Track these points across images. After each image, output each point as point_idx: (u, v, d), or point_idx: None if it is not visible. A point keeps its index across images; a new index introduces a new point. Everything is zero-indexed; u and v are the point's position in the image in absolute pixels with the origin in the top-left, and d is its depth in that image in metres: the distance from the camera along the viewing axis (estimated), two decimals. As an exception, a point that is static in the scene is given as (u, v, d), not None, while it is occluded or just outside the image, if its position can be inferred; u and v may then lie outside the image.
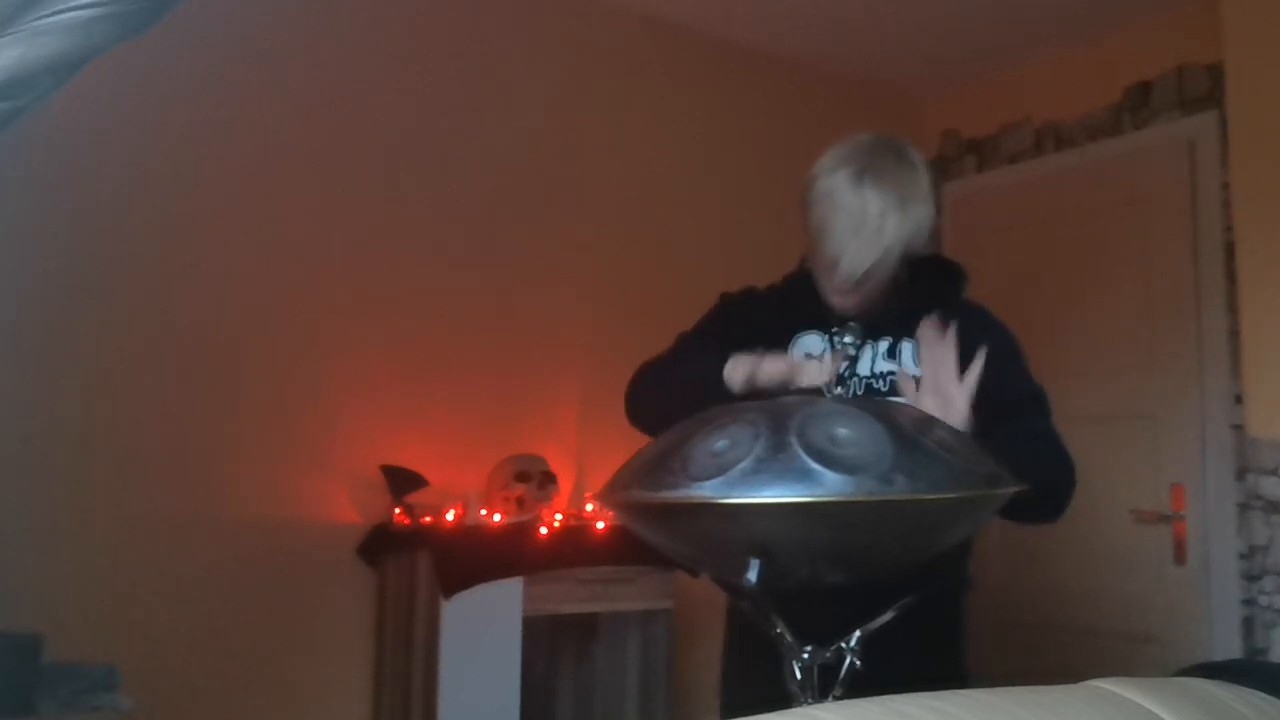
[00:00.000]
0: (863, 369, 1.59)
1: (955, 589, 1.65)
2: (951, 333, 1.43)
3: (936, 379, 1.42)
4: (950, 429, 1.17)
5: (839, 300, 1.59)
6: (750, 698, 1.18)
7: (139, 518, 2.66)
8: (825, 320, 1.62)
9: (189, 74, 2.75)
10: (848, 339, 1.59)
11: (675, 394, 1.56)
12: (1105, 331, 3.57)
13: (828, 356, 1.56)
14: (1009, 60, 3.89)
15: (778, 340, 1.64)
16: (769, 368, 1.49)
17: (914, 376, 1.48)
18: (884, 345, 1.60)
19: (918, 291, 1.61)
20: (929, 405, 1.39)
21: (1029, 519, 1.52)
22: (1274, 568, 2.93)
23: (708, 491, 1.05)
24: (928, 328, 1.45)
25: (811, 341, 1.63)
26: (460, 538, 2.83)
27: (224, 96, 2.84)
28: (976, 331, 1.50)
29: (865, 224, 1.48)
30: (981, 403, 1.41)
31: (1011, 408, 1.51)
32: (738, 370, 1.51)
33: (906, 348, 1.58)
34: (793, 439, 1.06)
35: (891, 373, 1.58)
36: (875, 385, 1.58)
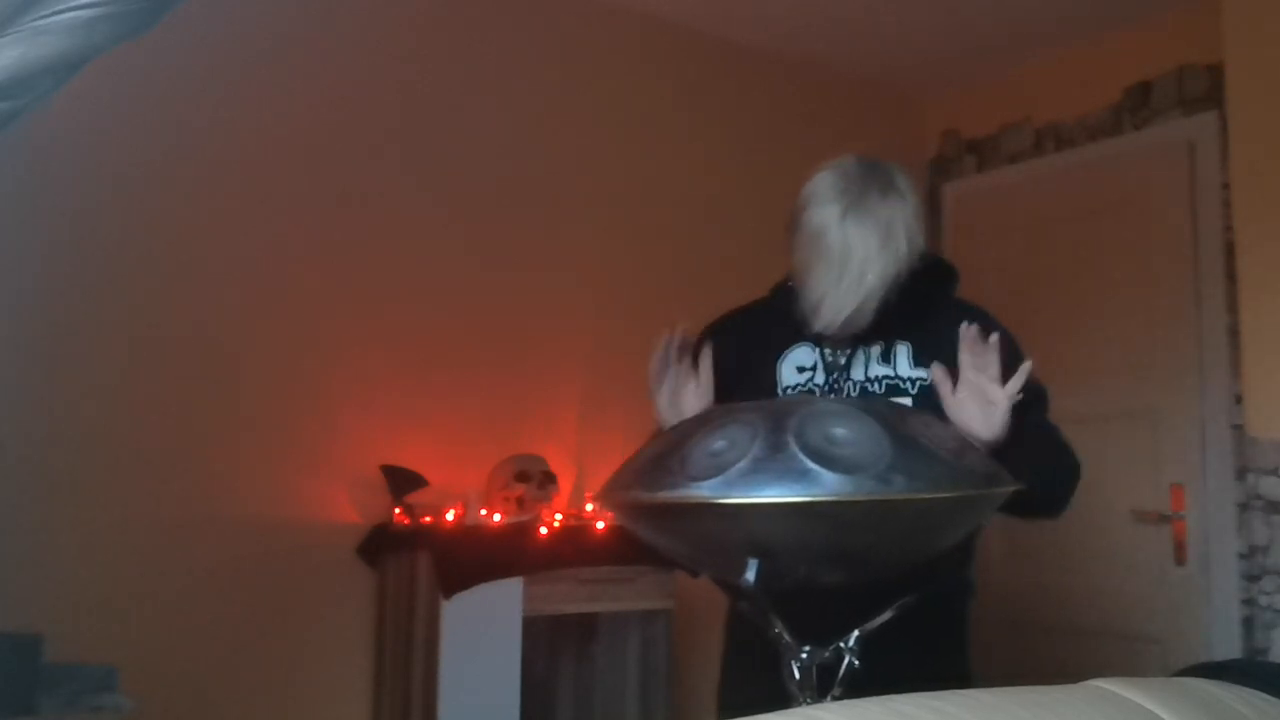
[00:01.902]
0: (856, 374, 1.59)
1: (958, 594, 1.64)
2: (995, 339, 1.42)
3: (979, 383, 1.41)
4: (949, 428, 1.17)
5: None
6: (750, 697, 1.18)
7: (139, 518, 2.66)
8: (815, 332, 1.61)
9: (189, 74, 2.75)
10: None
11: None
12: (1105, 331, 3.57)
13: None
14: (1009, 60, 3.89)
15: (768, 354, 1.63)
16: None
17: (950, 374, 1.46)
18: (876, 350, 1.59)
19: (912, 294, 1.58)
20: (970, 408, 1.39)
21: (1033, 514, 1.54)
22: (1274, 568, 2.93)
23: (706, 491, 1.05)
24: (969, 333, 1.43)
25: (802, 354, 1.63)
26: (460, 538, 2.83)
27: (224, 96, 2.84)
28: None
29: (847, 271, 1.48)
30: None
31: (1019, 407, 1.51)
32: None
33: (901, 350, 1.57)
34: (790, 439, 1.06)
35: (888, 377, 1.57)
36: (871, 389, 1.57)
